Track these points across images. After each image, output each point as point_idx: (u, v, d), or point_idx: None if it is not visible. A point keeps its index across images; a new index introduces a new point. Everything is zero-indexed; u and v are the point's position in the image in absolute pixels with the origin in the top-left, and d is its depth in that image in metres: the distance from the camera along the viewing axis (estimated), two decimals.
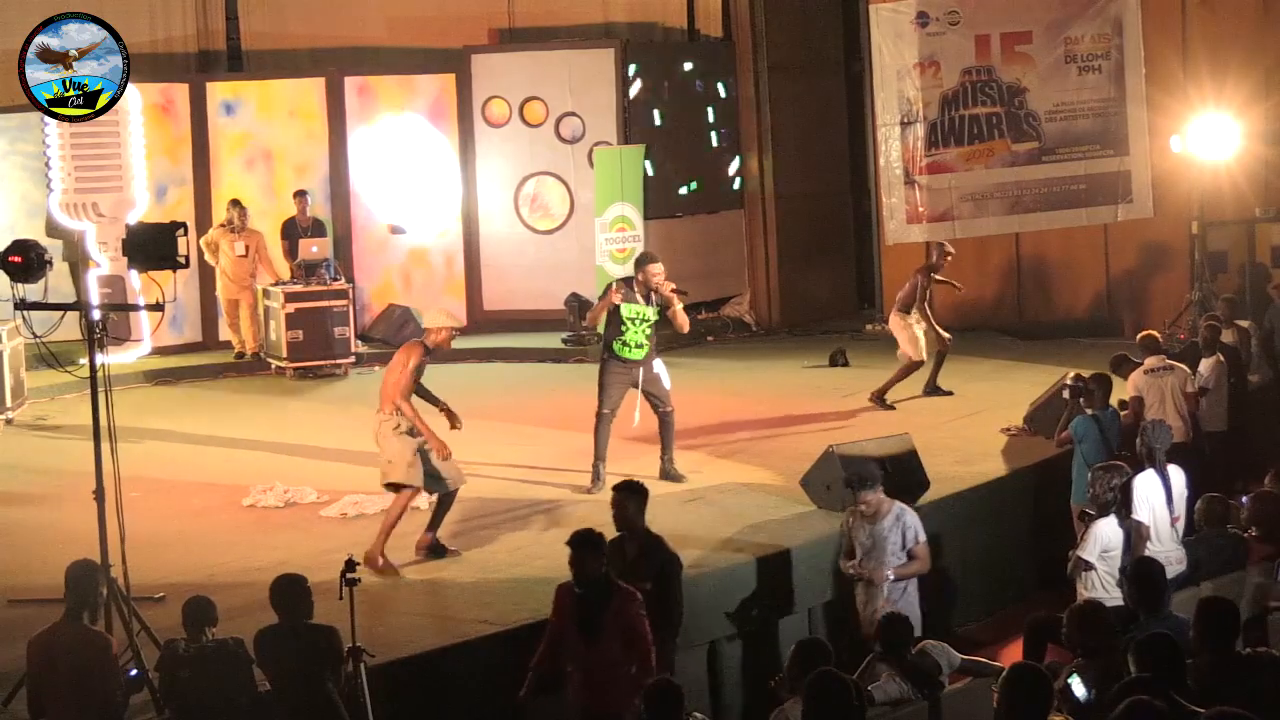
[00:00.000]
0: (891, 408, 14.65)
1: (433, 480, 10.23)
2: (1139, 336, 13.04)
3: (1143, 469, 10.02)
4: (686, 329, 12.72)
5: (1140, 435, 10.24)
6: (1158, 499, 9.86)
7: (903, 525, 9.43)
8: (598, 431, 12.10)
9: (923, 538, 9.45)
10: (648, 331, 12.08)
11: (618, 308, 11.94)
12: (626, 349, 12.03)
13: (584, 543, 7.90)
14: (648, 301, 12.05)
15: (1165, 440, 10.26)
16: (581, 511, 11.39)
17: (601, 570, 7.86)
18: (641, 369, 12.09)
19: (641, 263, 12.31)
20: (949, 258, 15.36)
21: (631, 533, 8.68)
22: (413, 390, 10.25)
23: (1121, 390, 12.37)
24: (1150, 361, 12.50)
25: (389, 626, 8.92)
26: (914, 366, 14.91)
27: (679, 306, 12.20)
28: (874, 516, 9.44)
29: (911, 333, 14.86)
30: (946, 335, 15.21)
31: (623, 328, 12.00)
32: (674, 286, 12.21)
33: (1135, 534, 9.66)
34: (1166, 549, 9.74)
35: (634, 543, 8.63)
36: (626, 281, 12.26)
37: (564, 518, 11.24)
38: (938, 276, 15.28)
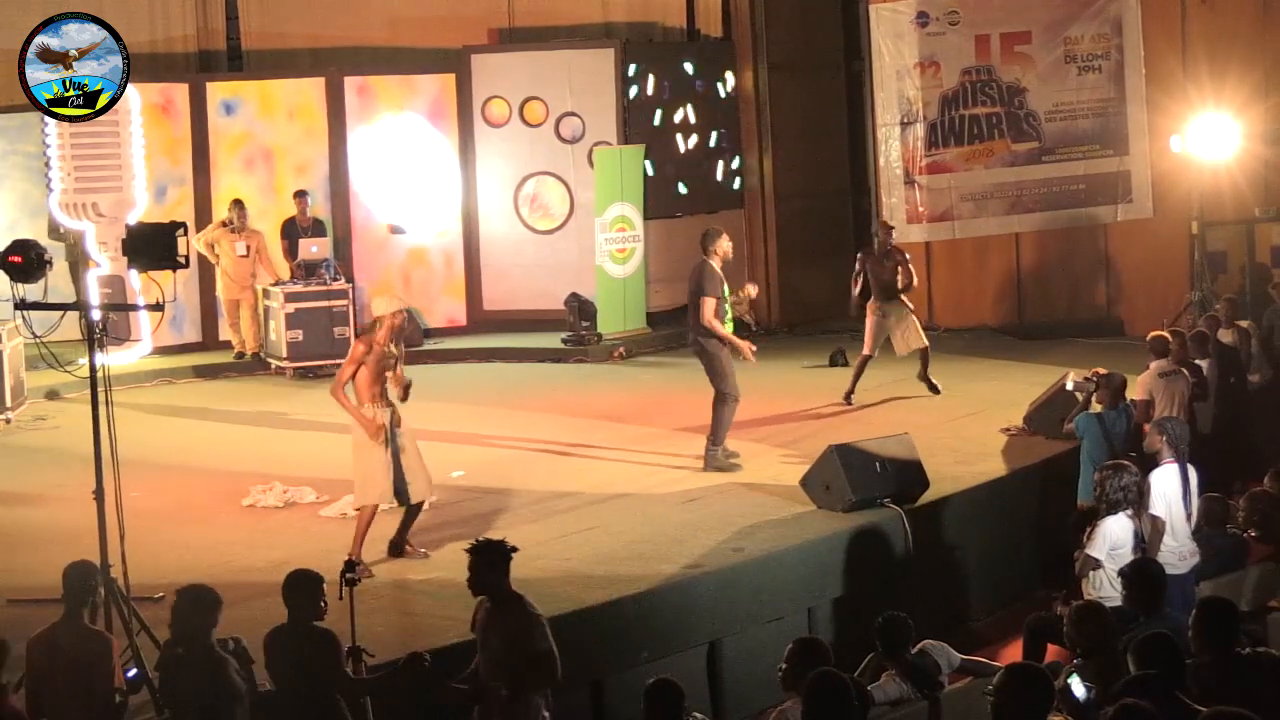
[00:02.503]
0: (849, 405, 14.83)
1: (399, 494, 10.23)
2: (1149, 337, 12.99)
3: (1156, 465, 10.03)
4: None
5: (1160, 432, 10.21)
6: (1175, 494, 9.89)
7: (517, 625, 7.38)
8: (728, 416, 12.37)
9: (544, 646, 7.31)
10: None
11: (723, 287, 12.30)
12: (730, 324, 12.53)
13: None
14: None
15: (1186, 437, 10.28)
16: (581, 510, 11.40)
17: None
18: None
19: (714, 237, 12.55)
20: (891, 234, 15.64)
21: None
22: (346, 381, 10.11)
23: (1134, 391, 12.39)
24: (1161, 364, 12.49)
25: (389, 626, 8.92)
26: (864, 360, 15.05)
27: None
28: (496, 605, 7.51)
29: (870, 322, 15.06)
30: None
31: (725, 305, 12.40)
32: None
33: (1151, 528, 9.68)
34: (1180, 544, 9.80)
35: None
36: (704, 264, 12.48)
37: (566, 517, 11.24)
38: (879, 259, 15.29)
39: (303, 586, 7.61)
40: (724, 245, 12.48)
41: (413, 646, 8.54)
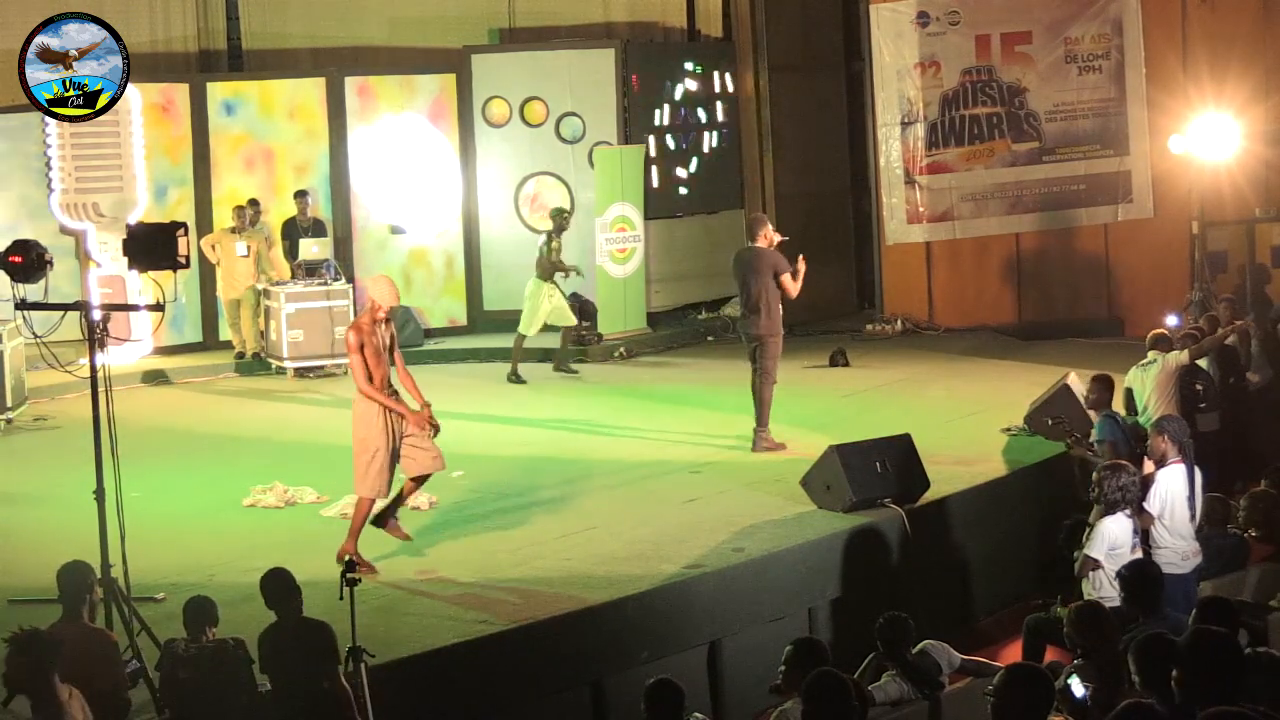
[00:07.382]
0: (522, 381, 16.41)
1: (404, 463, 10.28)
2: (1149, 335, 13.11)
3: (1164, 465, 10.04)
4: None
5: (1160, 433, 10.22)
6: (1180, 493, 9.88)
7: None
8: (769, 397, 12.77)
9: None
10: None
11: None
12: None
13: None
14: None
15: (1186, 432, 10.27)
16: (582, 510, 11.41)
17: None
18: None
19: (761, 224, 13.00)
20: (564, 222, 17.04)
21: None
22: (368, 372, 10.00)
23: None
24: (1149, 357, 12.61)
25: (389, 626, 8.92)
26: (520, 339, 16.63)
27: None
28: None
29: (535, 304, 16.63)
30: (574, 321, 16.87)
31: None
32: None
33: (1140, 519, 9.69)
34: (1184, 544, 9.79)
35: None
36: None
37: (566, 517, 11.24)
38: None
39: (275, 585, 7.65)
40: (770, 231, 12.90)
41: (413, 646, 8.58)
